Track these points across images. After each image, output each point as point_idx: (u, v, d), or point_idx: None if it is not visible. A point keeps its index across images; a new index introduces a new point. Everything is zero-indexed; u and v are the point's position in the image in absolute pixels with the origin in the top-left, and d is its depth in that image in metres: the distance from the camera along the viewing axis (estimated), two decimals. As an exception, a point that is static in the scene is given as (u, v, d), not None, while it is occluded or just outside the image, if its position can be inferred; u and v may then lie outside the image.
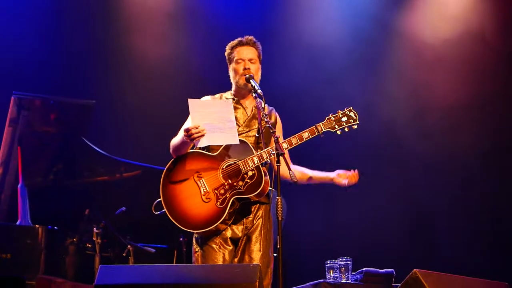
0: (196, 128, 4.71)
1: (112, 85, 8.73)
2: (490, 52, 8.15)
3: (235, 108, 5.01)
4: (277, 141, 4.59)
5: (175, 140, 4.93)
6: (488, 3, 8.30)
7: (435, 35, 8.40)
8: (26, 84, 8.00)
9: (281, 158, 4.53)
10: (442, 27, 8.41)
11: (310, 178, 5.16)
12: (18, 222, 7.22)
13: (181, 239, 7.59)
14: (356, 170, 5.12)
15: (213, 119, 4.75)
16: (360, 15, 8.59)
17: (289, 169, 4.54)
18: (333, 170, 5.16)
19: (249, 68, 4.98)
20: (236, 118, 4.97)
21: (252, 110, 5.07)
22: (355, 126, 4.95)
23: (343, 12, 8.69)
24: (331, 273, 6.17)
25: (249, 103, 5.09)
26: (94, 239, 7.23)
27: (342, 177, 5.12)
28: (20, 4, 8.61)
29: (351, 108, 4.98)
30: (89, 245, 7.31)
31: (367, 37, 8.55)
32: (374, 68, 8.55)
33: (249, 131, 5.02)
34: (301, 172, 5.12)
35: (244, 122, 5.02)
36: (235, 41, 5.10)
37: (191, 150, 4.94)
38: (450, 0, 8.49)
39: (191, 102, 4.75)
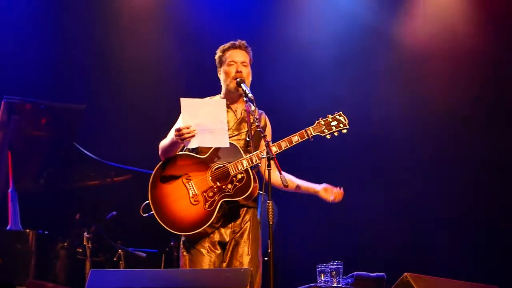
0: (188, 128, 4.70)
1: (102, 88, 8.71)
2: (477, 53, 8.19)
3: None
4: (267, 145, 4.59)
5: (165, 142, 4.92)
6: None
7: (422, 35, 8.43)
8: (16, 88, 7.96)
9: (271, 162, 4.53)
10: (428, 28, 8.44)
11: (297, 187, 5.13)
12: (8, 227, 7.20)
13: (172, 243, 7.58)
14: (342, 188, 5.09)
15: (204, 119, 4.74)
16: (345, 17, 8.61)
17: (280, 173, 4.55)
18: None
19: (241, 71, 4.98)
20: (227, 121, 4.98)
21: (241, 114, 5.06)
22: (345, 131, 4.95)
23: (328, 13, 8.70)
24: (322, 277, 6.17)
25: (239, 106, 5.08)
26: (84, 243, 7.22)
27: (329, 192, 5.09)
28: (6, 9, 8.59)
29: (341, 112, 4.98)
30: (80, 250, 7.29)
31: (353, 39, 8.56)
32: (362, 70, 8.54)
33: (238, 134, 5.01)
34: (289, 180, 5.10)
35: (233, 126, 5.02)
36: (228, 44, 5.10)
37: (180, 153, 4.94)
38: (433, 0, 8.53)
39: (183, 101, 4.74)
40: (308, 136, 4.89)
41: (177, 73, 8.74)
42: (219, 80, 5.12)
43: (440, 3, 8.52)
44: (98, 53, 8.79)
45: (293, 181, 5.13)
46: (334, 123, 4.95)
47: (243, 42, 5.10)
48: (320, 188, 5.12)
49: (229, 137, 4.88)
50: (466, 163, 8.22)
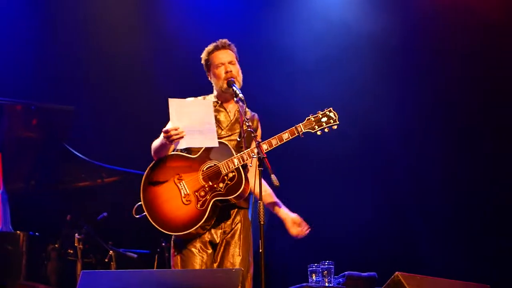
0: (176, 129, 4.70)
1: (93, 90, 8.70)
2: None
3: (218, 111, 5.03)
4: (258, 146, 4.59)
5: (156, 143, 4.91)
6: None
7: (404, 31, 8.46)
8: (6, 89, 7.95)
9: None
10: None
11: (273, 204, 5.10)
12: (-1, 228, 7.19)
13: (163, 244, 7.57)
14: (307, 229, 5.07)
15: (192, 120, 4.74)
16: (324, 17, 8.64)
17: (271, 173, 4.54)
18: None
19: (231, 71, 4.99)
20: (220, 121, 4.99)
21: (235, 114, 5.06)
22: (335, 127, 4.94)
23: (307, 14, 8.74)
24: (314, 277, 6.17)
25: (232, 107, 5.09)
26: (75, 244, 7.20)
27: (296, 224, 5.06)
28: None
29: (331, 108, 4.97)
30: (71, 251, 7.28)
31: (334, 39, 8.59)
32: (350, 70, 8.56)
33: (231, 134, 5.02)
34: (269, 194, 5.09)
35: (227, 126, 5.02)
36: (211, 47, 5.09)
37: (172, 153, 4.93)
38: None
39: (171, 102, 4.74)
40: (298, 133, 4.88)
41: (167, 73, 8.73)
42: (210, 83, 5.12)
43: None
44: (88, 55, 8.77)
45: (272, 196, 5.11)
46: (324, 119, 4.94)
47: (225, 40, 5.09)
48: (289, 218, 5.07)
49: (222, 137, 4.90)
50: (458, 161, 8.22)
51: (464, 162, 8.19)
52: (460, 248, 8.06)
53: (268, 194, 5.07)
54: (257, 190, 4.60)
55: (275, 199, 5.12)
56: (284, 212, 5.10)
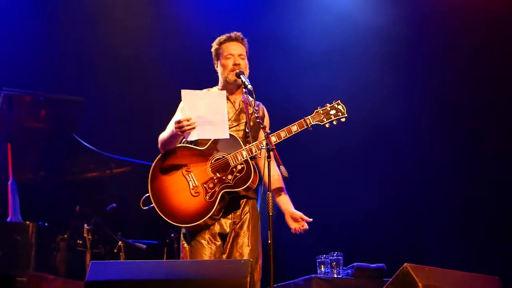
0: (188, 120, 4.69)
1: (102, 81, 8.71)
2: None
3: (223, 103, 5.02)
4: (267, 137, 4.59)
5: (164, 135, 4.91)
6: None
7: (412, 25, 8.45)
8: (15, 80, 7.96)
9: (271, 153, 4.53)
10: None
11: (279, 193, 5.06)
12: (8, 219, 7.20)
13: (172, 235, 7.59)
14: (305, 226, 5.00)
15: (205, 111, 4.73)
16: (331, 10, 8.63)
17: (280, 164, 4.53)
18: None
19: (239, 64, 4.98)
20: (225, 113, 4.98)
21: (239, 105, 5.06)
22: (343, 119, 4.93)
23: (315, 6, 8.73)
24: (322, 268, 6.19)
25: (237, 97, 5.08)
26: (85, 235, 7.22)
27: (295, 219, 5.01)
28: (5, 2, 8.59)
29: (339, 101, 4.96)
30: (80, 242, 7.30)
31: (342, 31, 8.57)
32: (358, 62, 8.54)
33: (237, 125, 5.01)
34: (277, 180, 5.05)
35: (232, 117, 5.01)
36: (223, 37, 5.09)
37: (179, 145, 4.93)
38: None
39: (184, 93, 4.73)
40: (307, 125, 4.88)
41: (175, 65, 8.73)
42: (216, 72, 5.11)
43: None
44: (97, 47, 8.78)
45: (280, 181, 5.06)
46: (333, 112, 4.93)
47: (239, 34, 5.10)
48: (289, 212, 5.02)
49: (229, 128, 4.87)
50: (466, 154, 8.21)
51: (472, 155, 8.18)
52: (468, 240, 8.05)
53: (276, 179, 5.02)
54: (266, 180, 4.59)
55: (282, 188, 5.08)
56: (285, 204, 5.06)
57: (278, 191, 5.06)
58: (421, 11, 8.42)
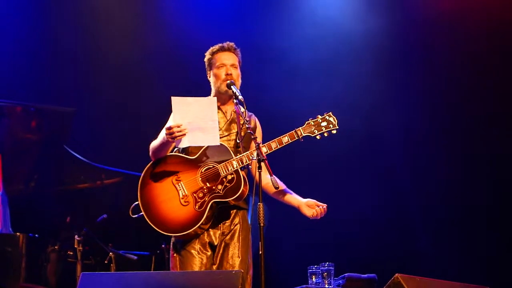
0: (178, 127, 4.69)
1: (91, 91, 8.70)
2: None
3: (215, 112, 5.02)
4: (258, 147, 4.59)
5: (155, 143, 4.91)
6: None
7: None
8: (5, 91, 7.94)
9: (262, 164, 4.53)
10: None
11: (282, 193, 5.07)
12: (-2, 230, 7.18)
13: (163, 246, 7.57)
14: (325, 205, 5.03)
15: (195, 118, 4.73)
16: (321, 18, 8.65)
17: (271, 175, 4.53)
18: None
19: (231, 74, 4.99)
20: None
21: (231, 115, 5.07)
22: (334, 131, 4.95)
23: (304, 15, 8.75)
24: (314, 278, 6.17)
25: (229, 108, 5.09)
26: (75, 246, 7.20)
27: (311, 207, 5.02)
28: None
29: (330, 113, 4.98)
30: (71, 253, 7.27)
31: (333, 39, 8.59)
32: (349, 71, 8.55)
33: (228, 135, 5.02)
34: (280, 188, 5.04)
35: (224, 126, 5.02)
36: (216, 47, 5.10)
37: (170, 154, 4.93)
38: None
39: (174, 100, 4.73)
40: (298, 136, 4.89)
41: (165, 74, 8.73)
42: (209, 82, 5.12)
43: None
44: (88, 56, 8.78)
45: (282, 186, 5.08)
46: (324, 123, 4.95)
47: (232, 44, 5.11)
48: (303, 202, 5.03)
49: (220, 138, 4.87)
50: (459, 162, 8.22)
51: (467, 164, 8.19)
52: (461, 250, 8.06)
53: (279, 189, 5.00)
54: (266, 185, 4.66)
55: (284, 188, 5.07)
56: (296, 200, 5.05)
57: (282, 193, 5.06)
58: (411, 19, 8.44)
